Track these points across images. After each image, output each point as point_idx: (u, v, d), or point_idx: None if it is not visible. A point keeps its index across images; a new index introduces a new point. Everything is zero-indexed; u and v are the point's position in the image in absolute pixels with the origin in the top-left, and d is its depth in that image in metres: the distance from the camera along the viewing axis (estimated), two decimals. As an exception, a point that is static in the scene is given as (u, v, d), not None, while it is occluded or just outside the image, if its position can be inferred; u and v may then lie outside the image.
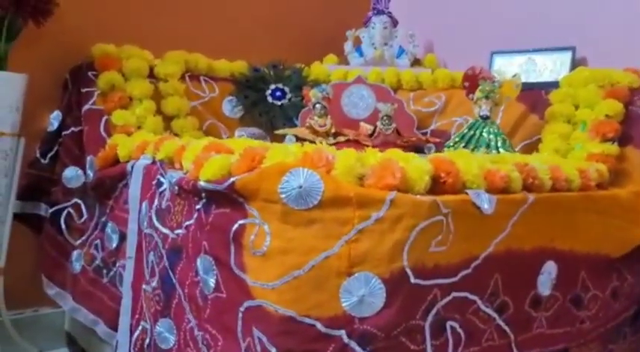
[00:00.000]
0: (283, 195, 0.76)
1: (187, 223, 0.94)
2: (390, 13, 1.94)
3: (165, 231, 1.01)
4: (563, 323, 1.00)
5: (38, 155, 1.47)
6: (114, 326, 1.19)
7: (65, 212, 1.38)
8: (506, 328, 0.89)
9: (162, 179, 1.05)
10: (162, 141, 1.10)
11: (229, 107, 1.60)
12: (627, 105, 1.31)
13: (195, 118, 1.49)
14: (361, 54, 1.93)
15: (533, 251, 0.92)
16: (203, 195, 0.88)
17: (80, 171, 1.37)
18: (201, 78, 1.58)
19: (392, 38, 1.92)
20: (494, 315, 0.87)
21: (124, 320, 1.13)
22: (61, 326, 1.59)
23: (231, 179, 0.81)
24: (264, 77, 1.65)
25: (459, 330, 0.82)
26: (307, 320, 0.75)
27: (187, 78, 1.55)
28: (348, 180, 0.78)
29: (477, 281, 0.83)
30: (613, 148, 1.26)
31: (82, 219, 1.36)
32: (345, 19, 2.02)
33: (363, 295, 0.74)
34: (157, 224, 1.03)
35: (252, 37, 1.86)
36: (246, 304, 0.79)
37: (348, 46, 1.97)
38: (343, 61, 1.97)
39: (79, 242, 1.35)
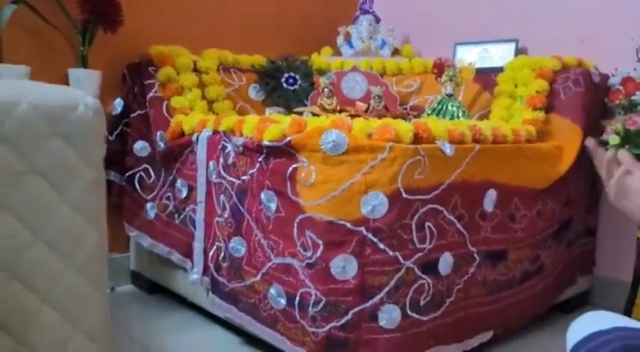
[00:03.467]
0: (323, 147, 1.22)
1: (251, 171, 1.39)
2: (373, 12, 2.39)
3: (232, 179, 1.46)
4: (502, 231, 1.49)
5: (106, 133, 1.90)
6: (187, 254, 1.65)
7: (138, 175, 1.81)
8: (463, 230, 1.37)
9: (226, 144, 1.49)
10: (222, 118, 1.54)
11: (254, 92, 2.04)
12: (552, 84, 1.76)
13: (230, 102, 1.93)
14: (351, 46, 2.38)
15: (480, 182, 1.40)
16: (264, 151, 1.33)
17: (147, 144, 1.80)
18: (231, 70, 2.02)
19: (376, 33, 2.37)
20: (455, 221, 1.35)
21: (198, 245, 1.59)
22: (127, 268, 2.03)
23: (288, 138, 1.26)
24: (279, 67, 2.09)
25: (433, 228, 1.29)
26: (341, 222, 1.21)
27: (221, 70, 1.98)
28: (362, 136, 1.24)
29: (443, 198, 1.31)
30: (540, 115, 1.73)
31: (151, 180, 1.80)
32: (337, 18, 2.46)
33: (375, 205, 1.21)
34: (224, 175, 1.48)
35: (264, 35, 2.30)
36: (300, 217, 1.26)
37: (340, 40, 2.42)
38: (336, 52, 2.41)
39: (150, 196, 1.79)
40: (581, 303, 1.88)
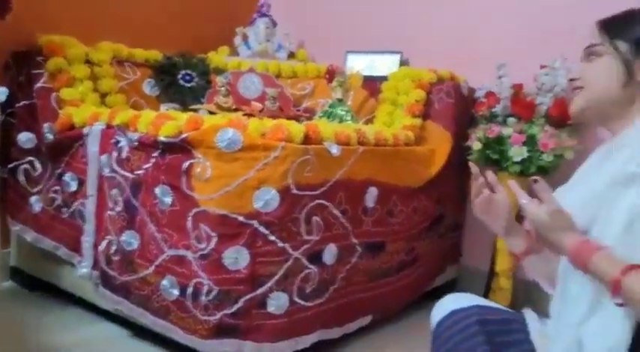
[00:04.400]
0: (218, 144, 1.28)
1: (146, 166, 1.41)
2: (270, 16, 2.48)
3: (125, 173, 1.47)
4: (381, 225, 1.65)
5: (-14, 123, 1.79)
6: (75, 248, 1.62)
7: (22, 167, 1.74)
8: (347, 224, 1.51)
9: (120, 138, 1.50)
10: (117, 112, 1.54)
11: (149, 87, 2.03)
12: (428, 94, 1.98)
13: (123, 96, 1.91)
14: (249, 47, 2.45)
15: (362, 180, 1.55)
16: (160, 146, 1.37)
17: (32, 135, 1.73)
18: (125, 63, 2.00)
19: (273, 36, 2.46)
20: (340, 215, 1.48)
21: (87, 239, 1.57)
22: (7, 263, 1.92)
23: (184, 135, 1.31)
24: (175, 64, 2.10)
25: (320, 222, 1.41)
26: (234, 216, 1.29)
27: (115, 63, 1.95)
28: (256, 135, 1.33)
29: (330, 194, 1.43)
30: (418, 122, 1.92)
31: (37, 173, 1.73)
32: (235, 18, 2.52)
33: (267, 199, 1.29)
34: (117, 169, 1.49)
35: (161, 30, 2.29)
36: (194, 210, 1.31)
37: (237, 40, 2.48)
38: (234, 52, 2.47)
39: (36, 189, 1.72)
40: (449, 290, 2.09)
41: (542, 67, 1.83)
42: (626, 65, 0.91)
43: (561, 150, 1.68)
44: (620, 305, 0.79)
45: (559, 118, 1.75)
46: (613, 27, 0.94)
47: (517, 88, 1.86)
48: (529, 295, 1.90)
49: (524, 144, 1.71)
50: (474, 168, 1.08)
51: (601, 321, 0.83)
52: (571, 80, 0.98)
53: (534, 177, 0.87)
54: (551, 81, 1.79)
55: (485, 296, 1.89)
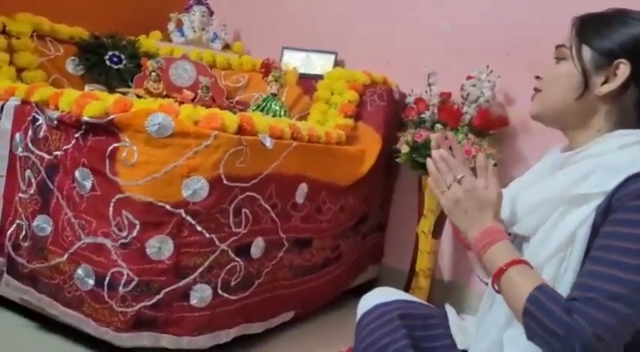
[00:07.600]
0: (148, 128, 1.23)
1: (66, 147, 1.33)
2: (207, 4, 2.42)
3: (41, 153, 1.37)
4: (310, 222, 1.65)
5: None
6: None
7: None
8: (276, 218, 1.50)
9: (37, 116, 1.40)
10: (36, 88, 1.44)
11: (72, 65, 1.91)
12: (361, 95, 2.02)
13: (43, 72, 1.79)
14: (182, 34, 2.37)
15: (294, 175, 1.54)
16: (83, 127, 1.29)
17: None
18: (47, 38, 1.87)
19: (208, 25, 2.40)
20: (270, 209, 1.47)
21: (-6, 223, 1.45)
22: None
23: (111, 116, 1.24)
24: (103, 44, 1.99)
25: (249, 214, 1.39)
26: (160, 204, 1.24)
27: (35, 37, 1.82)
28: (188, 122, 1.29)
29: (261, 187, 1.42)
30: (350, 122, 1.95)
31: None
32: (169, 3, 2.43)
33: (196, 189, 1.26)
34: (33, 149, 1.39)
35: (89, 7, 2.16)
36: (118, 196, 1.25)
37: (171, 26, 2.40)
38: (166, 38, 2.39)
39: None
40: (370, 289, 2.15)
41: (468, 77, 1.91)
42: (585, 76, 0.82)
43: (482, 157, 1.77)
44: (498, 292, 0.81)
45: (481, 128, 1.85)
46: (584, 29, 0.84)
47: (445, 97, 1.94)
48: (446, 294, 1.98)
49: (449, 149, 1.78)
50: (443, 134, 0.92)
51: (520, 329, 0.82)
52: (536, 77, 0.91)
53: (494, 161, 0.82)
54: (476, 92, 1.88)
55: (405, 295, 1.95)
